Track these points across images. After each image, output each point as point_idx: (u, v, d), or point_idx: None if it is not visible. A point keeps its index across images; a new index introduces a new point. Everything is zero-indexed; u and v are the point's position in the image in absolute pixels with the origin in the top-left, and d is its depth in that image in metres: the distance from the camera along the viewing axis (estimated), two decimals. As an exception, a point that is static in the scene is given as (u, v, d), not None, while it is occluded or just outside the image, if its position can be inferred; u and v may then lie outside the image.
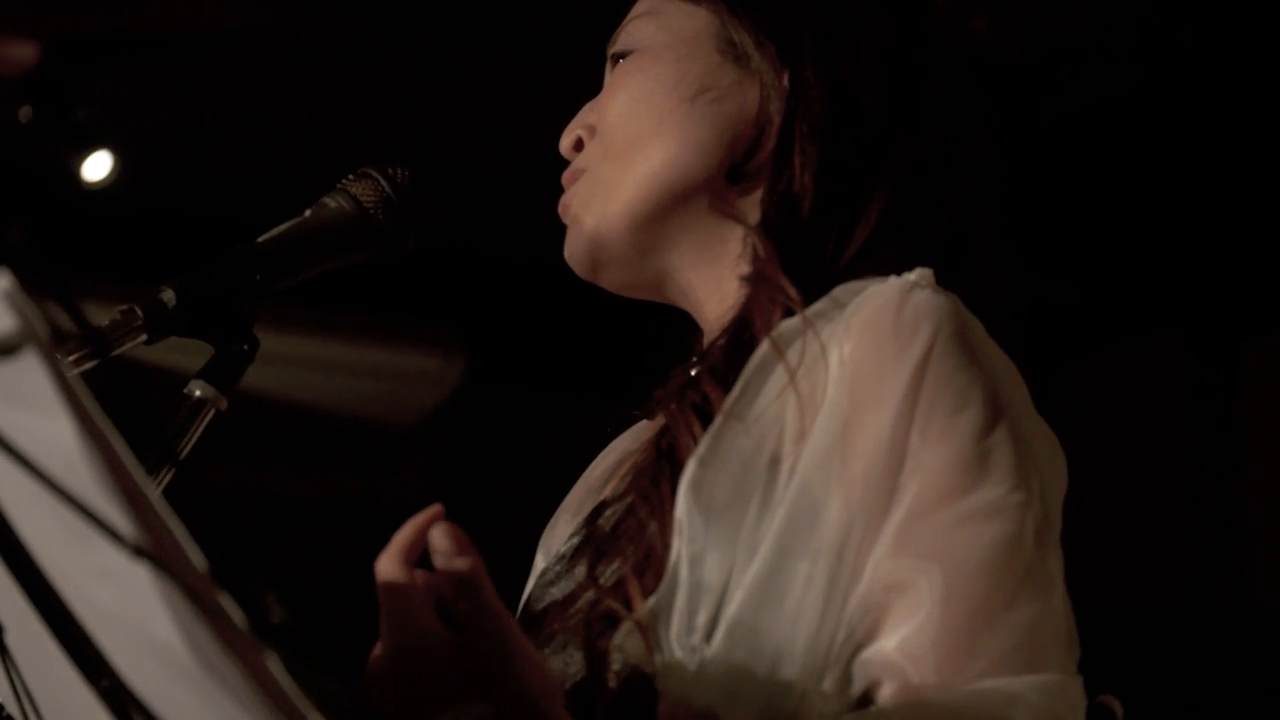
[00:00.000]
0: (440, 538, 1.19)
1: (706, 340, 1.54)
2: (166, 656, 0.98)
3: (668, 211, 1.51)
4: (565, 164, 1.59)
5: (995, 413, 1.33)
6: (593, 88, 1.61)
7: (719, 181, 1.51)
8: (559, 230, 1.57)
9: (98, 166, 4.51)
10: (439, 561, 1.20)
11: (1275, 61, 4.17)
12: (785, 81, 1.49)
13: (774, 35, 1.51)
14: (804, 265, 1.43)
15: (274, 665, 0.98)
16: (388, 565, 1.20)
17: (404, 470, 5.67)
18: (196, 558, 0.98)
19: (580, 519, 1.53)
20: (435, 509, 1.22)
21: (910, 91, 1.52)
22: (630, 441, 1.63)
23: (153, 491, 0.97)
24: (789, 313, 1.40)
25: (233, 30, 4.24)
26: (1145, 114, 4.44)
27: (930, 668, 1.27)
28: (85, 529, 0.97)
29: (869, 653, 1.29)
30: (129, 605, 0.99)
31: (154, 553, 0.95)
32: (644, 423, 1.63)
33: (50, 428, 0.96)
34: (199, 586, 0.96)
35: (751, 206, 1.49)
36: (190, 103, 4.53)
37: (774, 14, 1.52)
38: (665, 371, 1.49)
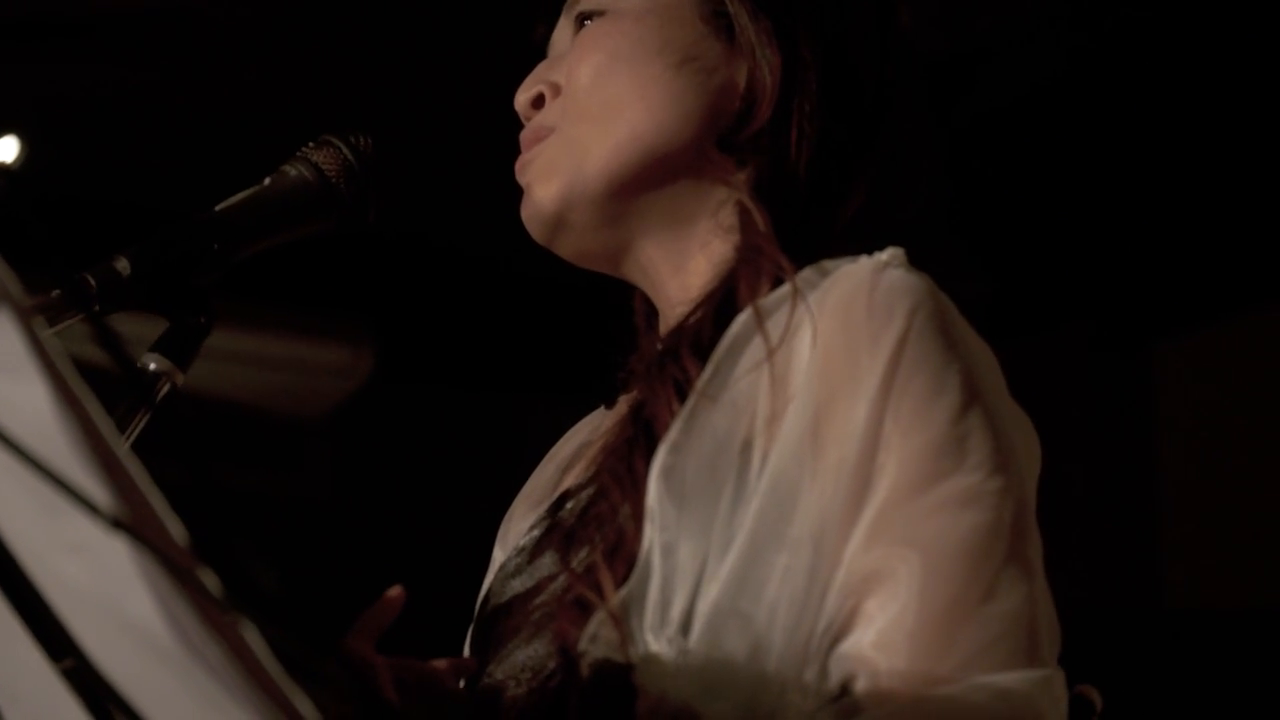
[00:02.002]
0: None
1: (665, 319, 1.51)
2: (143, 636, 0.92)
3: (646, 179, 1.48)
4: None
5: (971, 396, 1.30)
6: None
7: (702, 152, 1.48)
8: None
9: (3, 151, 4.43)
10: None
11: (1190, 57, 4.18)
12: (779, 57, 1.47)
13: (770, 11, 1.49)
14: (794, 240, 1.40)
15: (259, 645, 0.93)
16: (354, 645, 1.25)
17: (307, 465, 5.59)
18: (177, 530, 0.93)
19: (541, 509, 1.49)
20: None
21: (889, 76, 1.51)
22: (588, 431, 1.59)
23: (131, 460, 0.92)
24: (777, 285, 1.37)
25: (143, 13, 4.16)
26: (1057, 110, 4.45)
27: (907, 661, 1.23)
28: (57, 500, 0.91)
29: (846, 645, 1.25)
30: (103, 581, 0.93)
31: (132, 525, 0.90)
32: (600, 411, 1.59)
33: (21, 392, 0.91)
34: (181, 561, 0.91)
35: (736, 179, 1.46)
36: (99, 86, 4.44)
37: None
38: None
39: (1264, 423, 4.82)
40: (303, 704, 0.90)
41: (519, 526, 1.53)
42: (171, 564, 0.90)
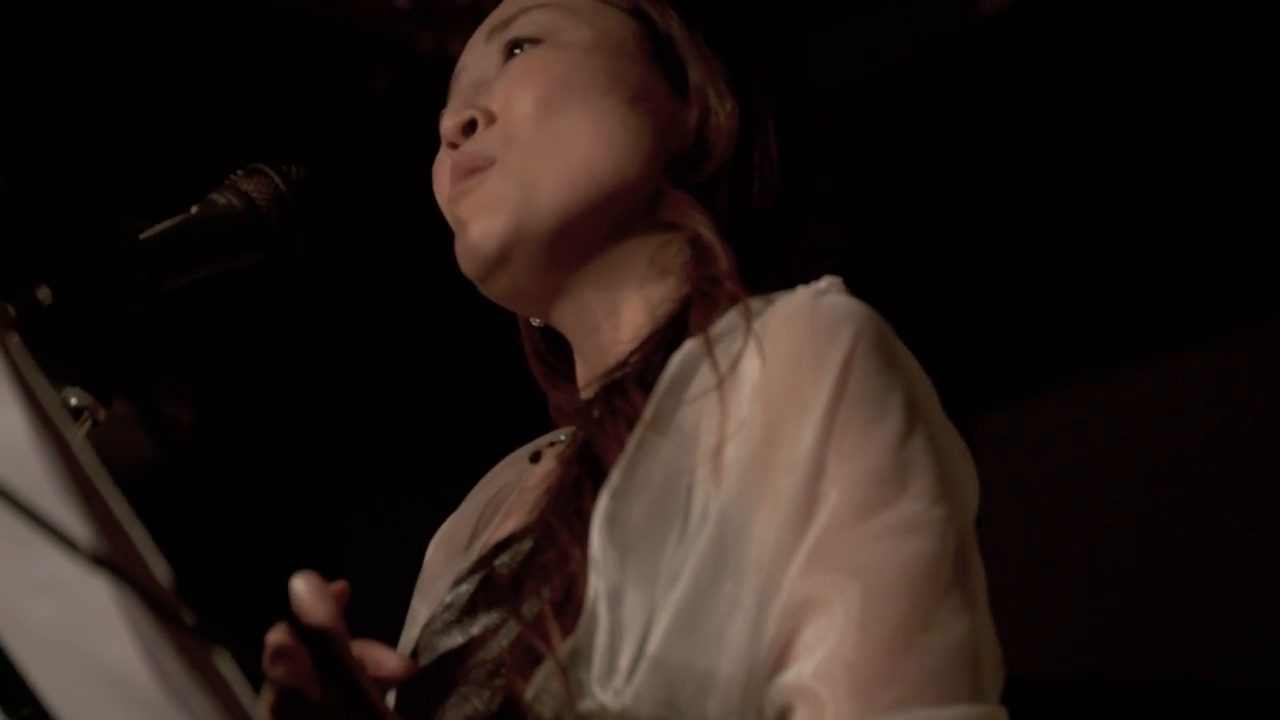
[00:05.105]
0: (299, 586, 1.16)
1: (589, 363, 1.47)
2: (120, 682, 0.86)
3: (598, 217, 1.43)
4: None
5: (914, 422, 1.27)
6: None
7: (656, 190, 1.45)
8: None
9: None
10: (296, 610, 1.16)
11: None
12: (734, 101, 1.46)
13: (723, 55, 1.47)
14: (752, 277, 1.37)
15: (241, 687, 0.87)
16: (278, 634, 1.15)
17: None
18: (160, 568, 0.87)
19: (468, 560, 1.43)
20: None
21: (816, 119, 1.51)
22: (510, 473, 1.54)
23: (112, 493, 0.86)
24: None
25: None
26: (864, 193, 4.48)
27: (846, 693, 1.19)
28: (23, 534, 0.85)
29: (786, 675, 1.21)
30: (74, 623, 0.87)
31: (114, 562, 0.84)
32: (520, 452, 1.54)
33: (-7, 417, 0.85)
34: (165, 601, 0.85)
35: (695, 218, 1.43)
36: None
37: (723, 37, 1.49)
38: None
39: (1077, 494, 4.89)
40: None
41: (442, 579, 1.47)
42: (156, 603, 0.84)
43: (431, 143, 1.53)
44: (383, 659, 1.22)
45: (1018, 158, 4.17)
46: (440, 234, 1.54)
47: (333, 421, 5.02)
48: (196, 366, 5.11)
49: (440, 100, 1.56)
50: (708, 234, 1.41)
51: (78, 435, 0.85)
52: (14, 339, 0.86)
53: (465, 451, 2.29)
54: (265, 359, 5.01)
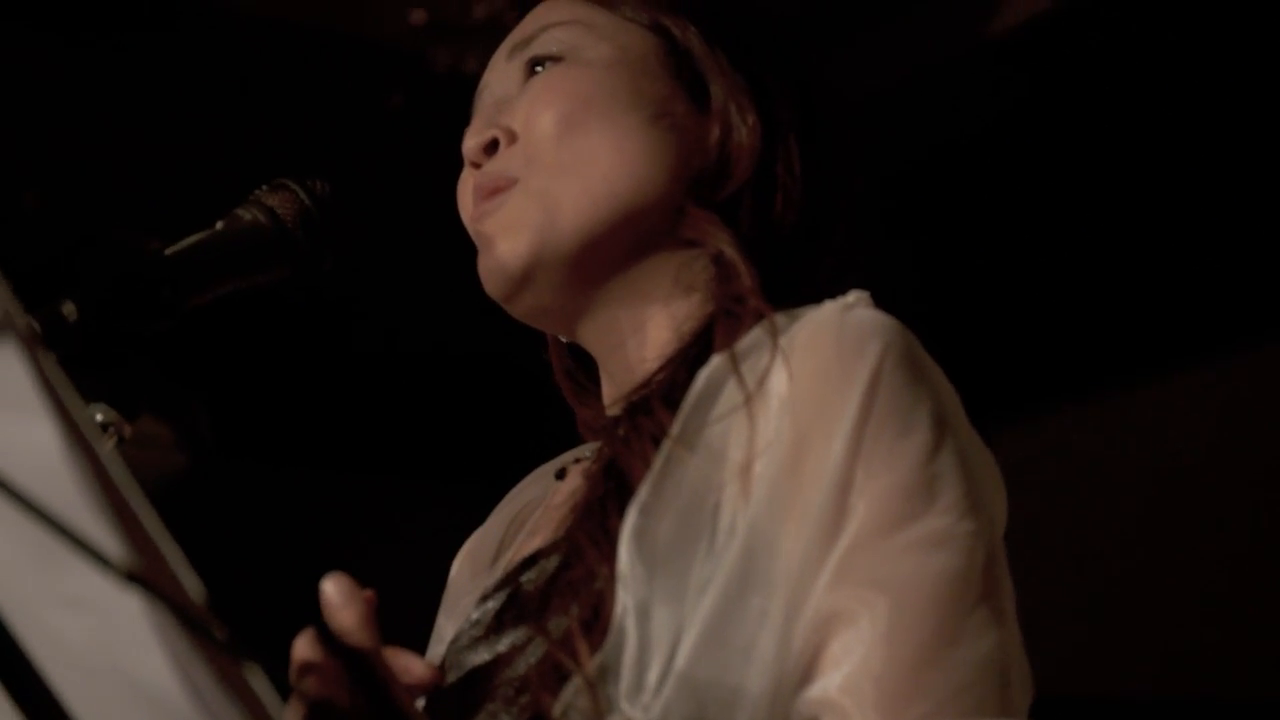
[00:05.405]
0: (330, 589, 1.16)
1: (614, 380, 1.47)
2: (152, 699, 0.85)
3: (620, 236, 1.43)
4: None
5: (942, 436, 1.27)
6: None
7: (678, 209, 1.44)
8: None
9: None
10: (326, 613, 1.16)
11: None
12: (757, 117, 1.45)
13: (744, 70, 1.47)
14: (776, 294, 1.37)
15: (276, 707, 0.86)
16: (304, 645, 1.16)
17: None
18: (192, 584, 0.86)
19: (494, 576, 1.43)
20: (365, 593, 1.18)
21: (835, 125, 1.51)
22: (535, 489, 1.53)
23: (144, 507, 0.85)
24: None
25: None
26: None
27: (873, 707, 1.19)
28: (53, 549, 0.84)
29: (813, 689, 1.21)
30: (106, 640, 0.86)
31: (147, 578, 0.83)
32: (545, 468, 1.54)
33: (25, 431, 0.84)
34: (198, 616, 0.84)
35: (718, 236, 1.43)
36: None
37: (745, 53, 1.49)
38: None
39: (1092, 507, 4.86)
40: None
41: (468, 596, 1.46)
42: (190, 620, 0.84)
43: (447, 160, 1.53)
44: (410, 666, 1.22)
45: (1041, 172, 4.17)
46: (457, 252, 1.54)
47: (353, 441, 5.02)
48: (221, 385, 5.11)
49: (455, 117, 1.55)
50: (730, 252, 1.40)
51: (111, 451, 0.84)
52: (48, 354, 0.85)
53: (483, 472, 2.28)
54: (287, 379, 5.02)
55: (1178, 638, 4.37)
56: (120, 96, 3.94)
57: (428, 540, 1.90)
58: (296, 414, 5.06)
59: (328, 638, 1.14)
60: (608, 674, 1.21)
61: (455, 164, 1.52)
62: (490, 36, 1.65)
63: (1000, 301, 4.53)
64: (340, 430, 5.03)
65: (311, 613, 1.23)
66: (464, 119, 1.53)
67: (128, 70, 3.89)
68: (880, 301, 1.34)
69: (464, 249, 1.51)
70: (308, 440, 5.10)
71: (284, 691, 0.91)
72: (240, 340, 4.55)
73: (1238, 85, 3.84)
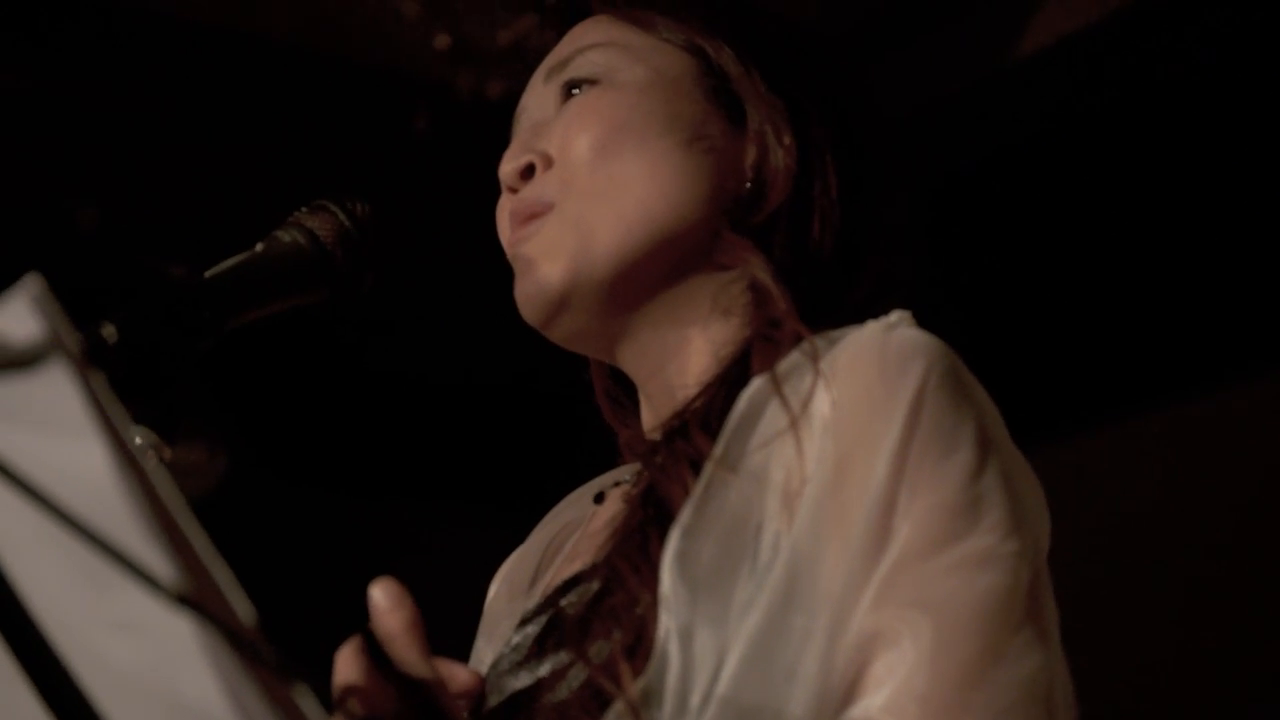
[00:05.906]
0: (378, 593, 1.15)
1: (654, 405, 1.46)
2: (200, 721, 0.85)
3: (656, 260, 1.43)
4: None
5: (986, 456, 1.27)
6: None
7: (713, 233, 1.44)
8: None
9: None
10: (374, 618, 1.15)
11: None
12: (793, 139, 1.45)
13: (781, 91, 1.46)
14: (812, 317, 1.36)
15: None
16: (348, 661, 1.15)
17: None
18: (242, 606, 0.86)
19: (533, 600, 1.42)
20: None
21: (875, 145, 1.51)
22: (573, 512, 1.53)
23: (194, 529, 0.85)
24: None
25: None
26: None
27: None
28: (102, 571, 0.83)
29: (855, 710, 1.20)
30: (155, 661, 0.86)
31: (198, 601, 0.83)
32: (583, 490, 1.53)
33: (76, 454, 0.83)
34: (251, 640, 0.84)
35: (753, 260, 1.42)
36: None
37: (780, 73, 1.48)
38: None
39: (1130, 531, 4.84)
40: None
41: (506, 620, 1.45)
42: (241, 641, 0.83)
43: (471, 185, 1.53)
44: (455, 673, 1.21)
45: (1082, 189, 4.16)
46: (489, 276, 1.54)
47: (387, 465, 5.03)
48: (256, 409, 5.11)
49: (479, 141, 1.55)
50: (763, 277, 1.40)
51: (158, 470, 0.84)
52: (98, 375, 0.84)
53: (515, 495, 2.28)
54: (321, 404, 5.03)
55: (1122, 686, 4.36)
56: (148, 125, 3.96)
57: (459, 563, 1.90)
58: (333, 437, 5.07)
59: (374, 644, 1.13)
60: (650, 698, 1.20)
61: (480, 189, 1.52)
62: (516, 61, 1.65)
63: (1053, 321, 4.52)
64: (374, 454, 5.04)
65: (344, 634, 1.23)
66: (488, 143, 1.53)
67: (159, 98, 3.91)
68: (922, 321, 1.34)
69: (489, 271, 1.51)
70: (343, 464, 5.11)
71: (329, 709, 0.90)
72: (274, 364, 4.55)
73: (1270, 105, 3.84)
